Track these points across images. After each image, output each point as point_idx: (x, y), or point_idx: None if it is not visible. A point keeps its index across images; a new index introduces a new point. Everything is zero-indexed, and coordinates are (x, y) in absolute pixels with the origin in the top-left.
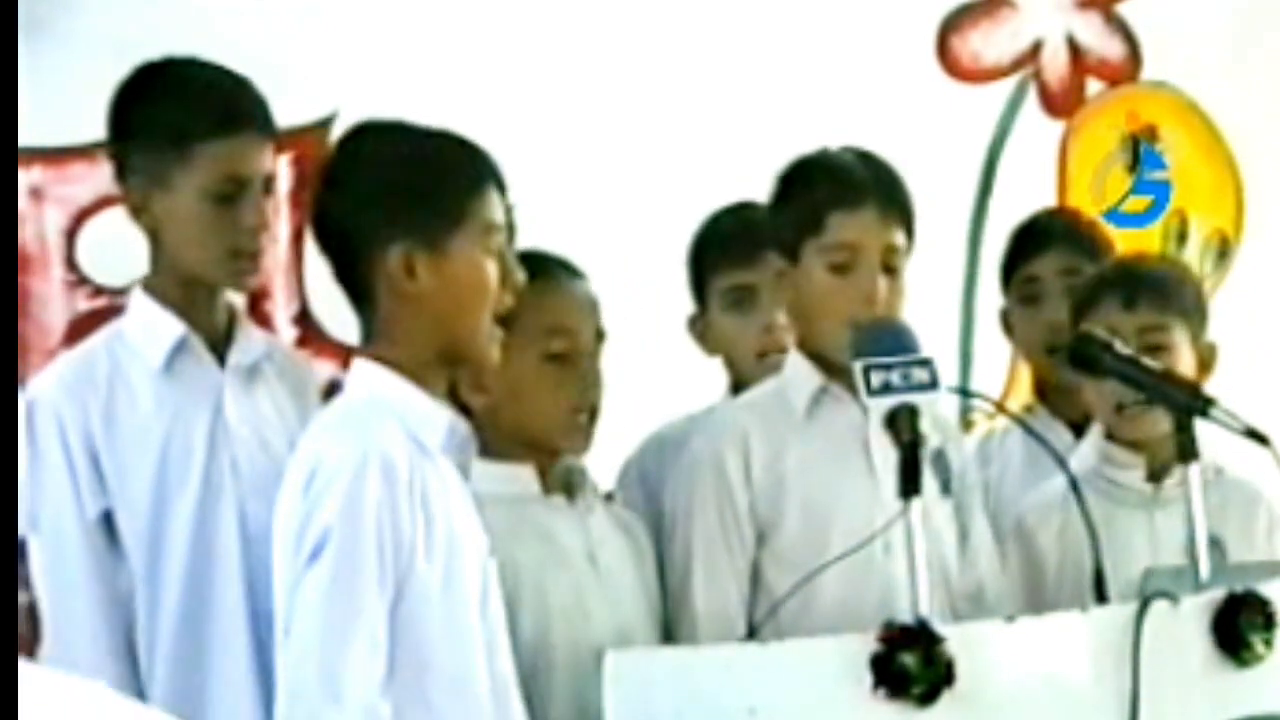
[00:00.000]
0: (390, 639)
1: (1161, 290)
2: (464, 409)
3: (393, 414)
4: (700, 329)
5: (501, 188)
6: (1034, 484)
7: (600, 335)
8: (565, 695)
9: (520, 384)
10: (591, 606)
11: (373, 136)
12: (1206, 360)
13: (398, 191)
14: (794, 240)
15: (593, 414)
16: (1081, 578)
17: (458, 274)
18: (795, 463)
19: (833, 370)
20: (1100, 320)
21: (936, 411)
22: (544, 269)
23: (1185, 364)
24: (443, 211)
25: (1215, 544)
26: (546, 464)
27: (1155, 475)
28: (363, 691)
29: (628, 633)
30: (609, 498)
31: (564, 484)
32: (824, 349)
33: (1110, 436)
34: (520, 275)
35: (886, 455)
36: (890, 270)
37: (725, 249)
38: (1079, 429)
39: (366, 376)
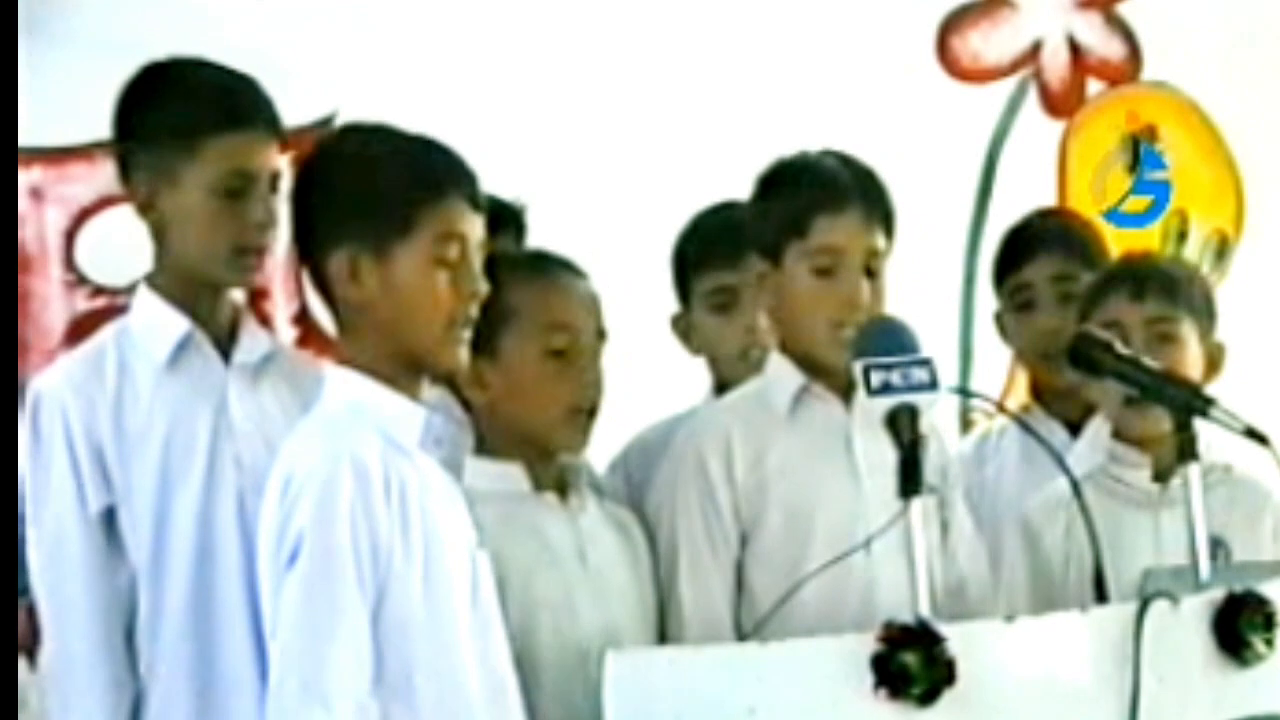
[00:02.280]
0: (376, 642)
1: (1170, 284)
2: (465, 405)
3: (367, 417)
4: (683, 328)
5: (473, 200)
6: (1030, 483)
7: (602, 334)
8: (551, 693)
9: (519, 380)
10: (580, 605)
11: (346, 137)
12: (1215, 359)
13: (349, 195)
14: (776, 243)
15: (592, 413)
16: (1087, 575)
17: (402, 282)
18: (777, 462)
19: (815, 370)
20: (1109, 313)
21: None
22: (545, 267)
23: (1193, 357)
24: (390, 219)
25: (1220, 544)
26: (539, 461)
27: (1161, 475)
28: (350, 692)
29: (617, 633)
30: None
31: (557, 482)
32: (807, 350)
33: (1117, 434)
34: (483, 286)
35: (869, 454)
36: (871, 273)
37: (708, 250)
38: (1075, 429)
39: (341, 382)
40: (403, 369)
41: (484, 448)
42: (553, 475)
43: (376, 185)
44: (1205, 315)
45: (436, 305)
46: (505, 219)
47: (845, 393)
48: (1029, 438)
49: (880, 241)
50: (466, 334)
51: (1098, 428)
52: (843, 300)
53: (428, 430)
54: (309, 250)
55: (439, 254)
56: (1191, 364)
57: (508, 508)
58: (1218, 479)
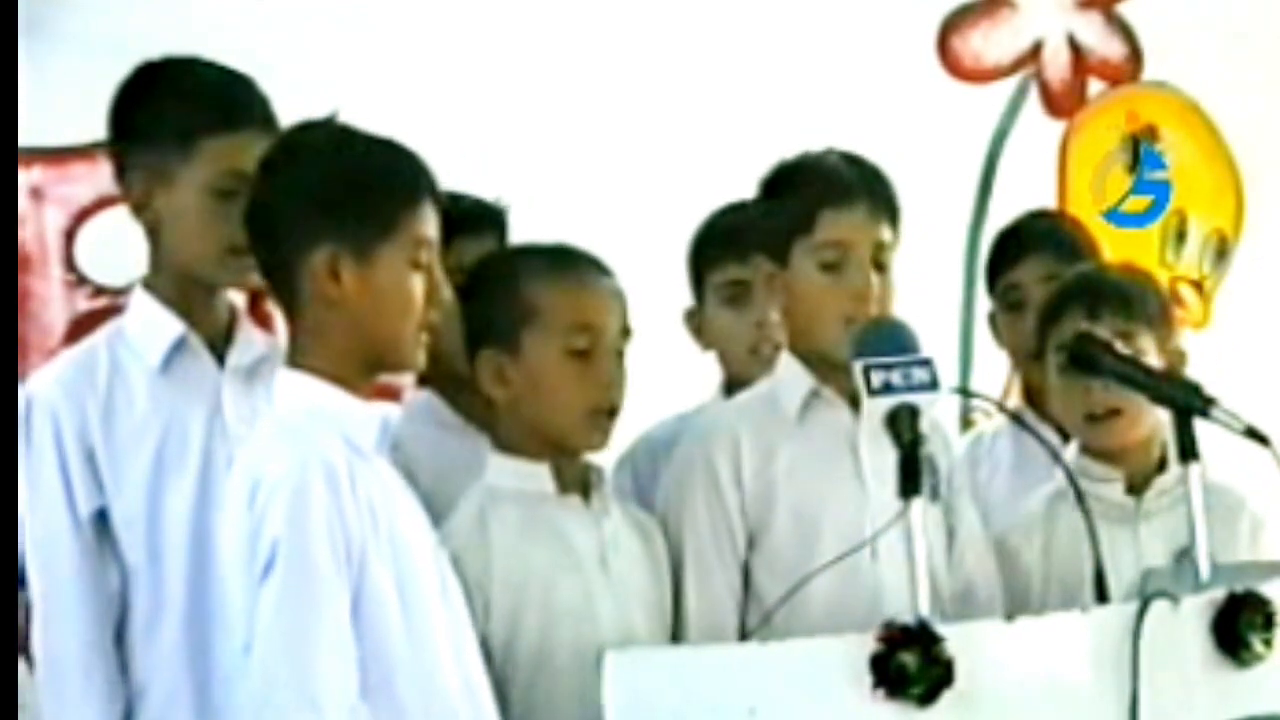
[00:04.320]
0: (356, 646)
1: (1125, 299)
2: (455, 407)
3: (327, 421)
4: (696, 323)
5: (439, 204)
6: (1022, 488)
7: (626, 332)
8: (570, 697)
9: (541, 379)
10: (600, 610)
11: (316, 136)
12: (1176, 366)
13: (331, 194)
14: (784, 242)
15: (613, 412)
16: (1066, 593)
17: (382, 284)
18: (785, 466)
19: (825, 371)
20: (1066, 332)
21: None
22: (571, 264)
23: None
24: (374, 220)
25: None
26: (563, 462)
27: (1135, 488)
28: (340, 697)
29: (635, 637)
30: None
31: (580, 484)
32: (819, 348)
33: (1085, 449)
34: (447, 291)
35: (875, 459)
36: (880, 266)
37: (722, 245)
38: (1067, 433)
39: (296, 386)
40: (359, 370)
41: (506, 445)
42: (576, 476)
43: (361, 186)
44: (1162, 324)
45: (410, 308)
46: (487, 220)
47: (854, 397)
48: (1023, 444)
49: (887, 234)
50: (425, 337)
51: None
52: (853, 294)
53: (384, 433)
54: (281, 249)
55: (414, 257)
56: None
57: (530, 508)
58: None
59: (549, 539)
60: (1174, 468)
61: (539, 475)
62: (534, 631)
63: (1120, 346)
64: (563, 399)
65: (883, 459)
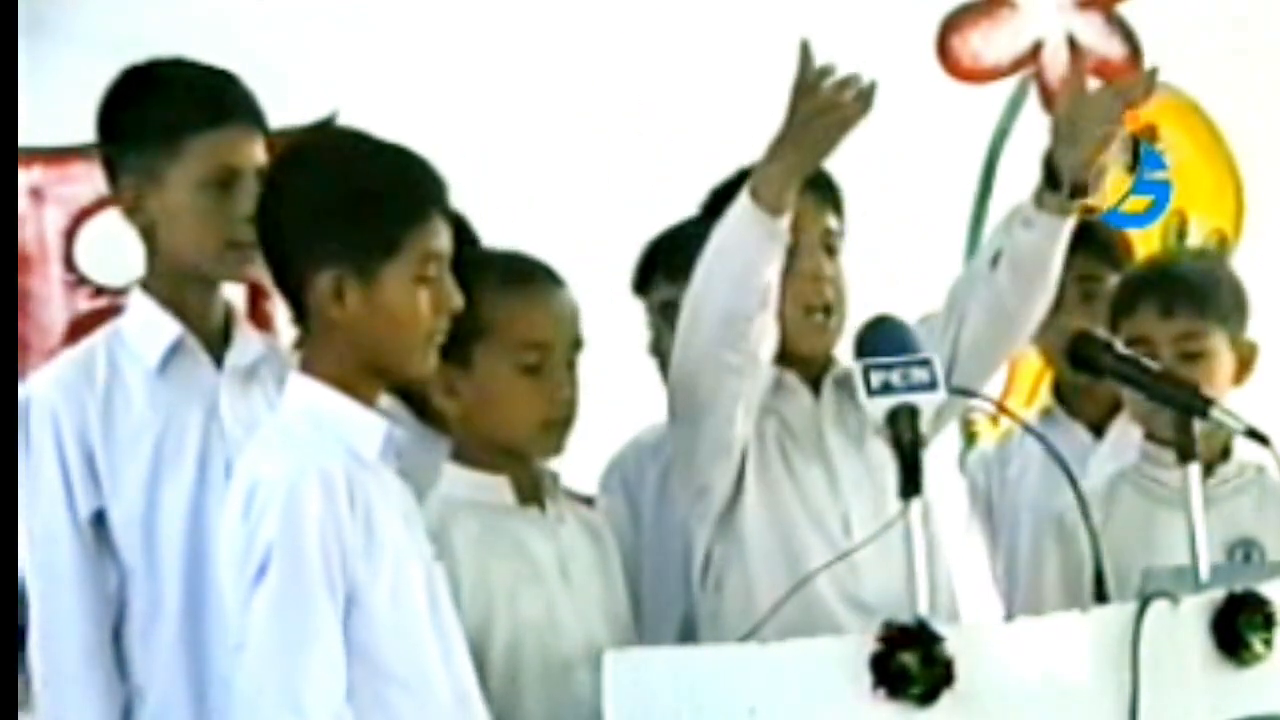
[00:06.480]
0: (346, 654)
1: (1200, 294)
2: (418, 413)
3: (329, 428)
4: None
5: (446, 213)
6: (1053, 482)
7: (578, 344)
8: (536, 709)
9: (492, 393)
10: (562, 620)
11: (323, 147)
12: (1247, 360)
13: (335, 214)
14: None
15: (566, 423)
16: (1119, 574)
17: (387, 303)
18: (756, 450)
19: (788, 359)
20: (1138, 327)
21: None
22: (524, 277)
23: (1223, 368)
24: (378, 240)
25: (1254, 545)
26: (521, 472)
27: None
28: (326, 702)
29: (596, 646)
30: (588, 501)
31: (536, 492)
32: (780, 340)
33: (1150, 435)
34: (458, 299)
35: (839, 441)
36: (830, 251)
37: (660, 267)
38: (1098, 429)
39: (302, 392)
40: (368, 379)
41: (462, 456)
42: (531, 484)
43: (363, 207)
44: (1236, 317)
45: (417, 323)
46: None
47: (814, 382)
48: (1054, 437)
49: (834, 222)
50: (438, 342)
51: (1122, 429)
52: (808, 277)
53: (388, 442)
54: (288, 265)
55: (421, 273)
56: (1221, 376)
57: (490, 520)
58: (1249, 480)
59: (510, 551)
60: (1237, 457)
61: (498, 488)
62: (501, 644)
63: (1119, 346)
64: (513, 413)
65: (847, 440)
